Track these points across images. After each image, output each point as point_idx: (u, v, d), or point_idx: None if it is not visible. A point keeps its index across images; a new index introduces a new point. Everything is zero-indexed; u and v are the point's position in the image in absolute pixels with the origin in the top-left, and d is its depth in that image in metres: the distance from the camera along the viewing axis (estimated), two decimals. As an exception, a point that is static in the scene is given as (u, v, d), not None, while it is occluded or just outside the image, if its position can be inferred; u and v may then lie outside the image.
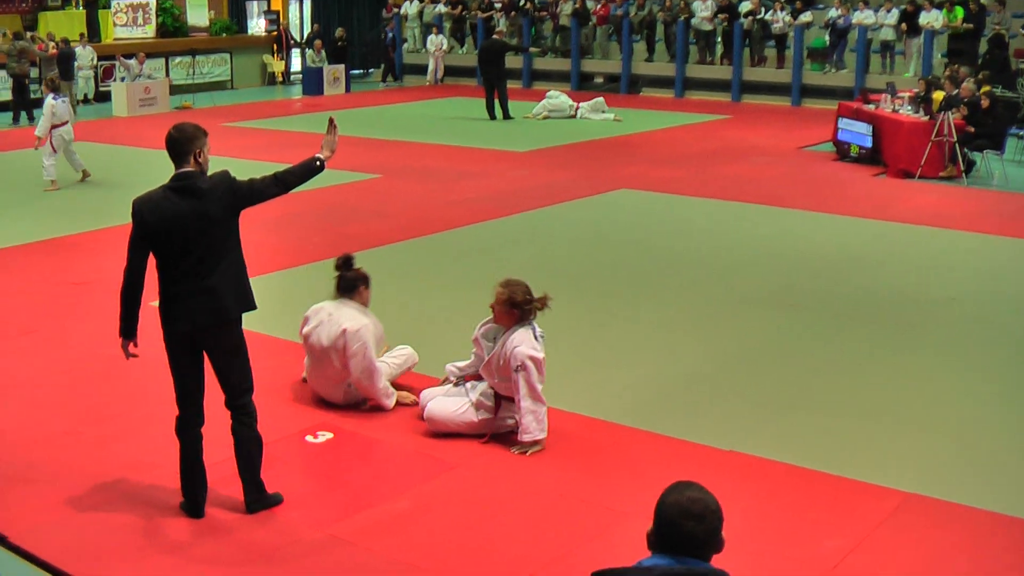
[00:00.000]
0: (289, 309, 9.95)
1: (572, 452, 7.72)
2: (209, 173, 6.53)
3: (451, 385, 8.23)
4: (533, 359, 7.60)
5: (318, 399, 8.56)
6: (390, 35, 35.78)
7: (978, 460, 7.78)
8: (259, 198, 6.63)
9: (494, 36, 29.01)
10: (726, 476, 7.16)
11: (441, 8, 36.08)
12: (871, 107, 20.90)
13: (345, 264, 8.62)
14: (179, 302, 6.52)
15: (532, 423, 7.64)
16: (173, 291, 6.52)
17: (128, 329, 6.63)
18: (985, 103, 18.71)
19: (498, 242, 14.06)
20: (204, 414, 6.74)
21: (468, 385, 8.08)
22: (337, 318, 8.33)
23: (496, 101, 25.73)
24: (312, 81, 32.48)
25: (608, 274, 12.59)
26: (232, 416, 6.75)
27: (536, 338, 7.72)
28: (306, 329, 8.51)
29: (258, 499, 6.85)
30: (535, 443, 7.67)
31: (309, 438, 7.90)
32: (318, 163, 6.78)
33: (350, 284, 8.53)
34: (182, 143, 6.46)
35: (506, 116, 25.71)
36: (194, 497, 6.81)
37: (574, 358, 9.47)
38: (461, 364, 8.32)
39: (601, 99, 26.96)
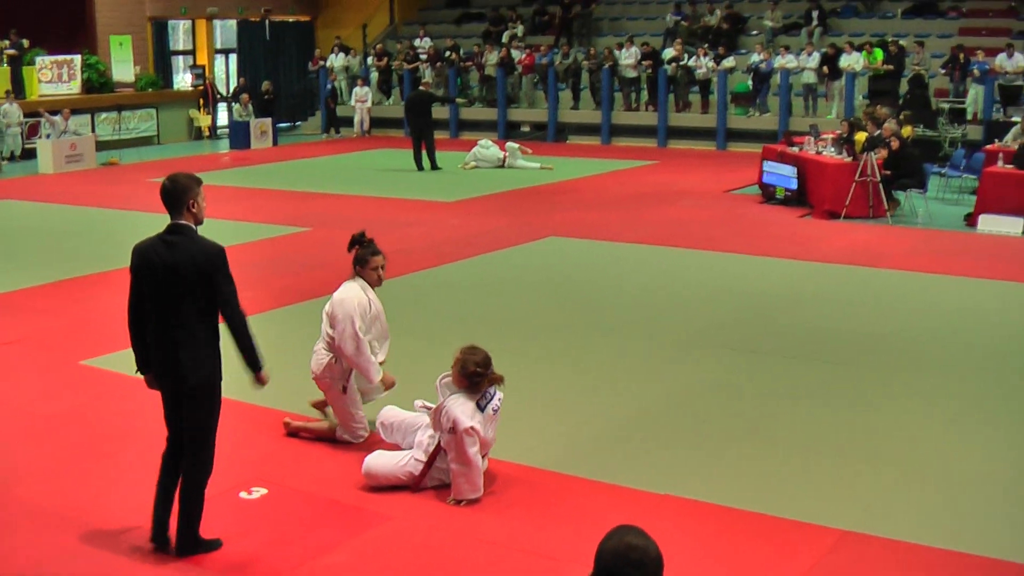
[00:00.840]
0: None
1: (509, 501, 7.70)
2: (206, 237, 6.68)
3: (420, 411, 8.23)
4: (459, 426, 7.58)
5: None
6: (330, 86, 35.69)
7: (916, 494, 7.85)
8: (220, 302, 6.67)
9: (420, 87, 29.11)
10: (663, 520, 7.18)
11: (367, 60, 36.16)
12: (795, 150, 21.15)
13: (357, 242, 8.92)
14: (154, 349, 6.70)
15: (463, 484, 7.64)
16: (151, 337, 6.69)
17: (139, 362, 6.86)
18: (895, 144, 18.98)
19: (432, 291, 14.04)
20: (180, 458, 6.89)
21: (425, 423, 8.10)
22: (336, 293, 8.56)
23: (424, 152, 25.78)
24: (239, 135, 32.33)
25: (541, 321, 12.61)
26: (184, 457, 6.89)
27: (480, 408, 7.71)
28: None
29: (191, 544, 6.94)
30: (466, 500, 7.67)
31: (243, 494, 7.82)
32: (257, 369, 6.91)
33: (359, 260, 8.80)
34: (175, 194, 6.65)
35: (434, 167, 25.76)
36: (162, 524, 6.90)
37: (509, 406, 9.44)
38: (430, 404, 8.32)
39: (515, 144, 27.04)
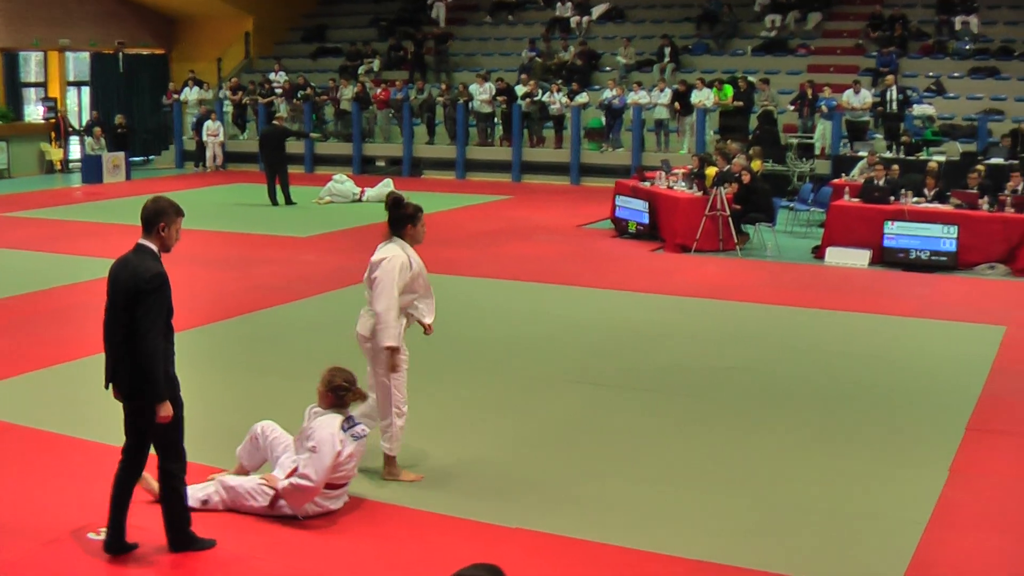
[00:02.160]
0: (71, 404, 9.77)
1: (364, 537, 7.68)
2: (156, 262, 6.92)
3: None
4: (321, 447, 7.65)
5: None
6: (195, 119, 35.24)
7: (773, 524, 8.00)
8: (136, 321, 6.78)
9: (275, 122, 28.95)
10: (517, 555, 7.25)
11: (221, 94, 35.88)
12: (647, 184, 21.44)
13: (393, 204, 8.92)
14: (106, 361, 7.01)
15: (296, 496, 7.75)
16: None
17: (105, 374, 7.10)
18: (745, 178, 19.38)
19: (287, 329, 13.96)
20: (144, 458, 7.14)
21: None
22: (375, 255, 8.65)
23: (278, 186, 25.65)
24: (92, 169, 31.72)
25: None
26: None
27: (343, 428, 7.78)
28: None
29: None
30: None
31: (92, 535, 7.64)
32: (154, 401, 6.88)
33: (395, 223, 8.83)
34: (149, 215, 6.94)
35: (288, 201, 25.62)
36: (118, 525, 7.12)
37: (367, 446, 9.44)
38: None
39: (389, 180, 27.03)
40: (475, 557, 7.18)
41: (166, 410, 6.84)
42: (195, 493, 7.81)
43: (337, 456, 7.69)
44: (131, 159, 33.69)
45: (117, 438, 7.28)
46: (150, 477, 7.73)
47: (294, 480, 7.71)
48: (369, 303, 8.68)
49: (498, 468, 9.13)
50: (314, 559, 7.34)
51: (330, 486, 7.86)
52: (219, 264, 17.94)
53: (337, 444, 7.71)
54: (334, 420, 7.81)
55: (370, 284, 8.63)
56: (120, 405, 7.04)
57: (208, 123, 34.35)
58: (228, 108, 35.63)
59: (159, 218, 6.91)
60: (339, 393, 7.87)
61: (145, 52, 39.73)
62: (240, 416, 9.37)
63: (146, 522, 7.37)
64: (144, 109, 38.53)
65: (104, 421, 8.68)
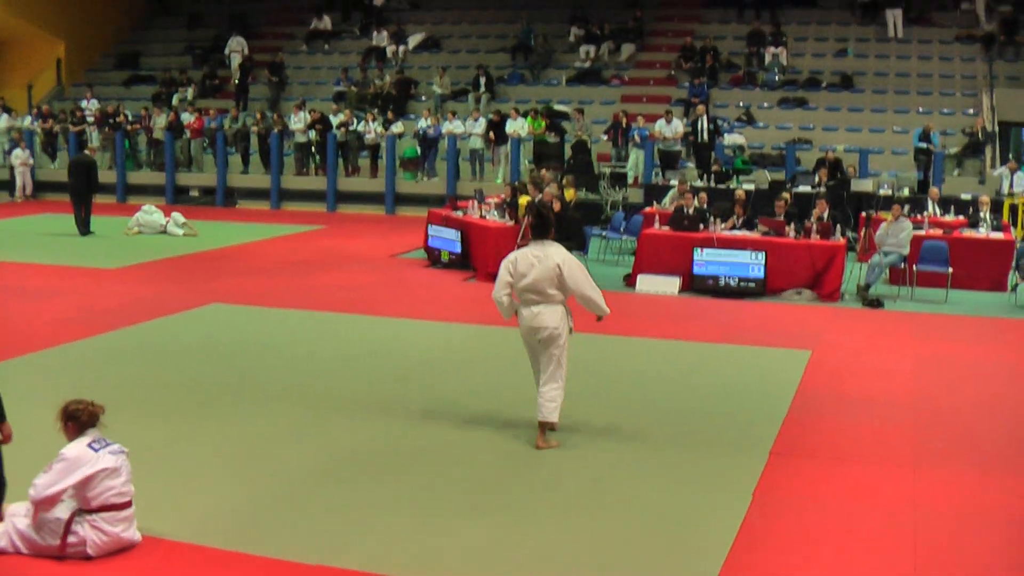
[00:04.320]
0: None
1: (152, 577, 7.43)
2: None
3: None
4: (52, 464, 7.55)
5: None
6: (7, 147, 34.17)
7: (565, 554, 7.87)
8: None
9: (85, 151, 28.22)
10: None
11: (31, 122, 34.92)
12: (459, 214, 21.39)
13: (540, 213, 10.50)
14: None
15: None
16: None
17: None
18: (556, 207, 19.42)
19: (87, 363, 13.49)
20: None
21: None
22: (545, 257, 10.17)
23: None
24: None
25: (197, 390, 12.24)
26: None
27: (92, 448, 7.61)
28: (522, 275, 10.25)
29: None
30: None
31: None
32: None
33: (545, 228, 10.39)
34: None
35: (86, 230, 25.02)
36: None
37: (153, 479, 9.13)
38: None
39: (177, 213, 26.30)
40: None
41: (7, 427, 7.16)
42: None
43: (75, 469, 7.54)
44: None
45: None
46: None
47: (31, 493, 7.56)
48: (535, 302, 10.28)
49: (295, 502, 8.89)
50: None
51: (108, 508, 7.63)
52: (24, 294, 17.38)
53: (71, 457, 7.56)
54: (78, 443, 7.66)
55: (558, 281, 10.15)
56: None
57: (17, 151, 33.34)
58: (39, 136, 34.67)
59: None
60: (75, 415, 7.72)
61: (-47, 78, 38.63)
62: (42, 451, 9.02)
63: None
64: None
65: None
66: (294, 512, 8.66)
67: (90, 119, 34.44)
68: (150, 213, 25.94)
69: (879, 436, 10.84)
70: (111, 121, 33.83)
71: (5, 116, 35.09)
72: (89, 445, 7.63)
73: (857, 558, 7.80)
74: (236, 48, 37.56)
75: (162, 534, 8.04)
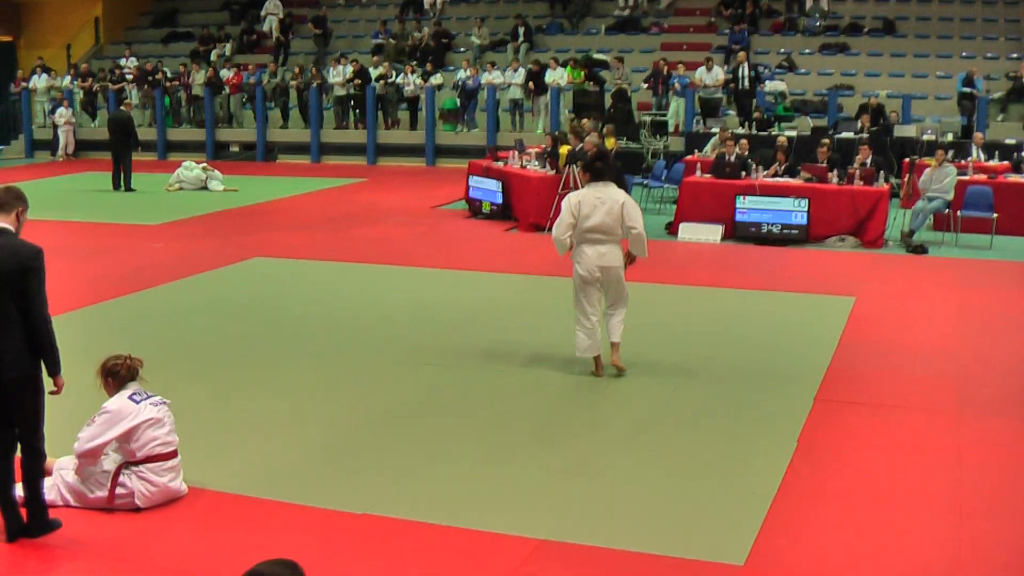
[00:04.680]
0: None
1: (208, 527, 7.46)
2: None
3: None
4: (94, 417, 7.64)
5: None
6: (50, 106, 34.27)
7: (615, 500, 7.91)
8: (29, 301, 6.93)
9: (121, 107, 28.27)
10: (359, 540, 7.14)
11: (71, 80, 35.00)
12: (500, 164, 21.33)
13: (602, 158, 11.42)
14: None
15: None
16: None
17: None
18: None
19: (134, 319, 13.54)
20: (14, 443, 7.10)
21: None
22: (608, 198, 10.75)
23: (122, 173, 25.18)
24: (-65, 161, 30.89)
25: (244, 345, 12.32)
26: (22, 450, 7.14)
27: (133, 400, 7.69)
28: (586, 216, 10.73)
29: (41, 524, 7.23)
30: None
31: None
32: (55, 373, 7.13)
33: (605, 172, 10.95)
34: (10, 198, 7.07)
35: (128, 188, 25.18)
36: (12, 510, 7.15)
37: (208, 432, 9.20)
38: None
39: (205, 165, 26.43)
40: (322, 546, 7.09)
41: (61, 380, 7.16)
42: None
43: (118, 421, 7.61)
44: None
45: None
46: None
47: (74, 447, 7.66)
48: (601, 241, 10.82)
49: (342, 453, 8.94)
50: (156, 551, 7.11)
51: (154, 458, 7.70)
52: (65, 253, 17.44)
53: (113, 409, 7.64)
54: (119, 396, 7.73)
55: (622, 220, 10.74)
56: None
57: (61, 110, 33.48)
58: (79, 95, 34.76)
59: (19, 202, 7.11)
60: (114, 372, 7.81)
61: (-9, 40, 38.74)
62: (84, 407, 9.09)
63: None
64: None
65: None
66: (343, 462, 8.73)
67: (129, 77, 34.45)
68: (190, 169, 25.97)
69: (923, 384, 10.80)
70: (150, 79, 33.87)
71: (45, 76, 35.14)
72: (130, 397, 7.70)
73: (900, 510, 7.76)
74: (273, 11, 37.41)
75: (209, 485, 8.10)
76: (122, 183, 25.27)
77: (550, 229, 18.69)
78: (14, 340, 6.89)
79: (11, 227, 7.01)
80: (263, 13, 37.75)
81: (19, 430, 7.02)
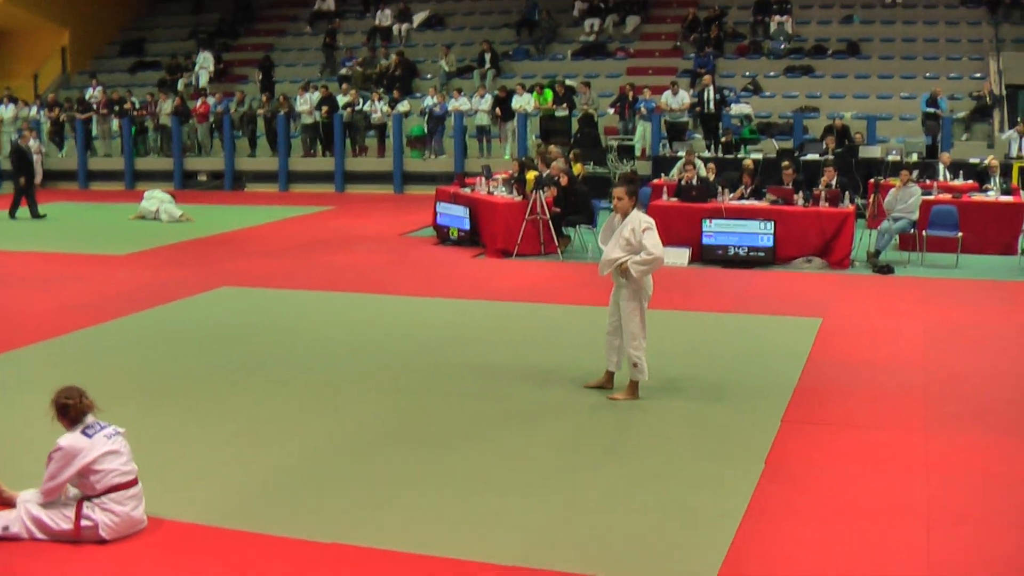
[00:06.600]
0: None
1: (163, 559, 7.42)
2: None
3: None
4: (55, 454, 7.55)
5: None
6: (16, 137, 34.14)
7: (581, 523, 7.86)
8: None
9: (19, 140, 28.41)
10: (326, 570, 7.09)
11: (36, 111, 34.85)
12: (467, 191, 21.37)
13: (631, 180, 11.20)
14: None
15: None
16: None
17: None
18: (564, 181, 19.43)
19: (98, 350, 13.49)
20: None
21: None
22: (633, 220, 10.84)
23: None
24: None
25: (208, 373, 12.21)
26: None
27: (86, 435, 7.59)
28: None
29: None
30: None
31: None
32: None
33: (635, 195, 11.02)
34: None
35: (35, 215, 25.80)
36: None
37: (170, 463, 9.14)
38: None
39: (166, 194, 26.13)
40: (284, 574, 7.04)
41: None
42: None
43: (72, 459, 7.53)
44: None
45: None
46: None
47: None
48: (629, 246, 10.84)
49: (309, 481, 8.89)
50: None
51: (114, 488, 7.63)
52: (21, 283, 17.35)
53: (66, 446, 7.55)
54: (71, 433, 7.63)
55: (637, 235, 10.78)
56: None
57: (32, 141, 33.31)
58: (46, 125, 34.65)
59: None
60: (65, 410, 7.70)
61: (-42, 68, 38.59)
62: (45, 439, 9.03)
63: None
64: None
65: None
66: (309, 491, 8.65)
67: (94, 106, 34.35)
68: (148, 199, 25.73)
69: (891, 402, 10.83)
70: (117, 108, 33.79)
71: (11, 106, 35.06)
72: (83, 432, 7.62)
73: (870, 525, 7.78)
74: (204, 65, 37.34)
75: (175, 516, 8.04)
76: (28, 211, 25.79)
77: (518, 254, 18.89)
78: None
79: None
80: (196, 67, 37.52)
81: None
